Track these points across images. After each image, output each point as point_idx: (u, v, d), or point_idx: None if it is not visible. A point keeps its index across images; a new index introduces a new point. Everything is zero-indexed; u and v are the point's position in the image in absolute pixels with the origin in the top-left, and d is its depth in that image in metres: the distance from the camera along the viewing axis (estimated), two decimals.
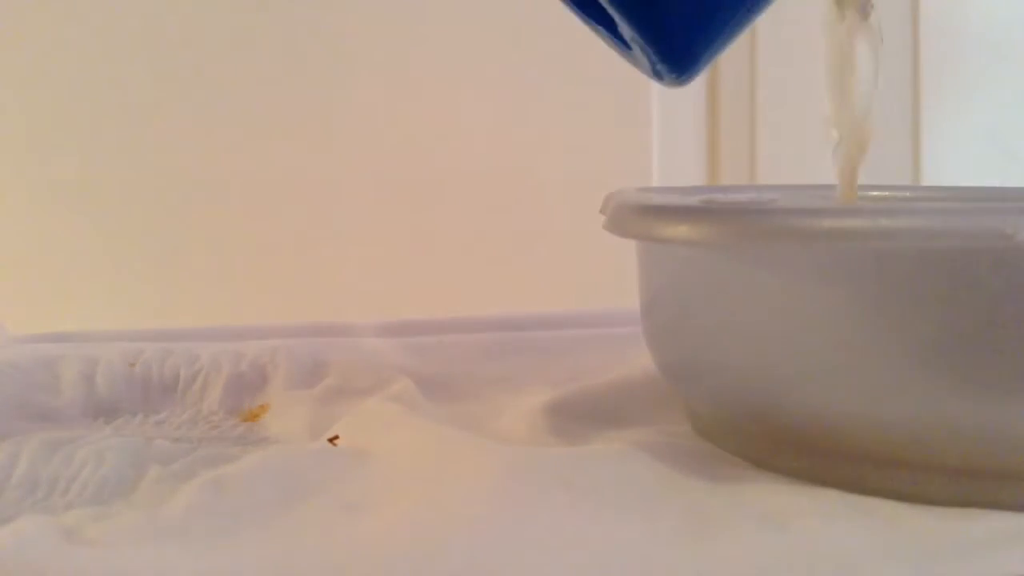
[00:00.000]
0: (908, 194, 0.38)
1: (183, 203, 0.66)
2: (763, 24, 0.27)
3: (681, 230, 0.23)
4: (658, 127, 0.70)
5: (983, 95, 0.79)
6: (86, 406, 0.34)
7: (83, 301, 0.64)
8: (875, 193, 0.38)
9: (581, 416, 0.31)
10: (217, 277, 0.66)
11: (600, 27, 0.26)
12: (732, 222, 0.22)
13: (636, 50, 0.24)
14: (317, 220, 0.67)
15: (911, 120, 0.81)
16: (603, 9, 0.23)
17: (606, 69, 0.69)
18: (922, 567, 0.19)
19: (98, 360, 0.36)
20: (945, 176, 0.83)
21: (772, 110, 0.72)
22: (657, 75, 0.25)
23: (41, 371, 0.35)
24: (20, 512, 0.23)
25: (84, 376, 0.35)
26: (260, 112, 0.66)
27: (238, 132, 0.66)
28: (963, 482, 0.22)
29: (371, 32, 0.67)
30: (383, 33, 0.67)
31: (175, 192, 0.66)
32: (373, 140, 0.67)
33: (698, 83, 0.73)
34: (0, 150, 0.64)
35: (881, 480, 0.23)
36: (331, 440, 0.29)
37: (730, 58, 0.71)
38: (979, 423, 0.21)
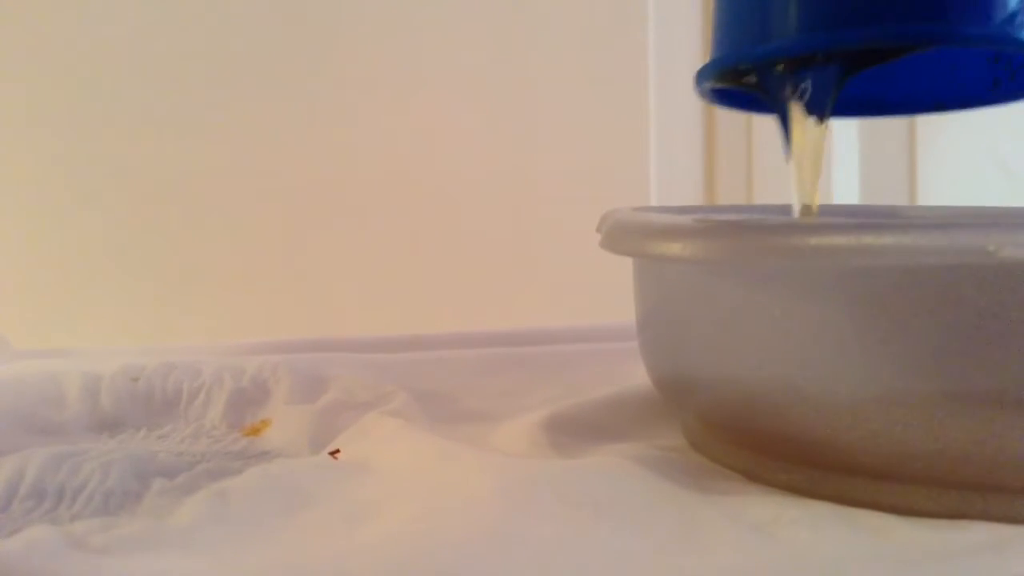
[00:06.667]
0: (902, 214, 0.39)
1: (185, 219, 0.66)
2: None
3: (674, 247, 0.23)
4: (656, 148, 0.71)
5: (980, 112, 0.79)
6: (90, 420, 0.34)
7: (86, 317, 0.65)
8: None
9: (578, 430, 0.31)
10: (219, 293, 0.66)
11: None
12: (723, 240, 0.23)
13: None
14: (318, 237, 0.67)
15: (907, 137, 0.82)
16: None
17: (606, 90, 0.70)
18: (909, 574, 0.19)
19: (102, 375, 0.36)
20: (941, 193, 0.83)
21: (769, 131, 0.72)
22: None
23: (46, 386, 0.35)
24: (28, 523, 0.23)
25: (88, 391, 0.35)
26: (262, 127, 0.66)
27: (239, 148, 0.66)
28: (951, 494, 0.23)
29: (372, 56, 0.68)
30: (384, 55, 0.68)
31: (178, 208, 0.66)
32: (374, 158, 0.68)
33: (695, 104, 0.74)
34: (3, 164, 0.65)
35: (870, 492, 0.23)
36: (332, 454, 0.29)
37: None
38: (966, 437, 0.22)
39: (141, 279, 0.66)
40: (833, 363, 0.23)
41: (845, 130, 0.80)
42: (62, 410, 0.34)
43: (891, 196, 0.83)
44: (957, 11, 0.24)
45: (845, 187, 0.80)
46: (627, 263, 0.31)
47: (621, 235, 0.26)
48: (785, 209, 0.36)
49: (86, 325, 0.65)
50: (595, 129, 0.70)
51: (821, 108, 0.26)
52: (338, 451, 0.29)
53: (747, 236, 0.22)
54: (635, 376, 0.34)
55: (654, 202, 0.72)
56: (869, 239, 0.20)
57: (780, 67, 0.26)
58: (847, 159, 0.81)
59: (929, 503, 0.23)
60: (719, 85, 0.29)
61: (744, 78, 0.28)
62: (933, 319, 0.21)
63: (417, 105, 0.68)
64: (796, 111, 0.27)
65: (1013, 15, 0.23)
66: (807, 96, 0.26)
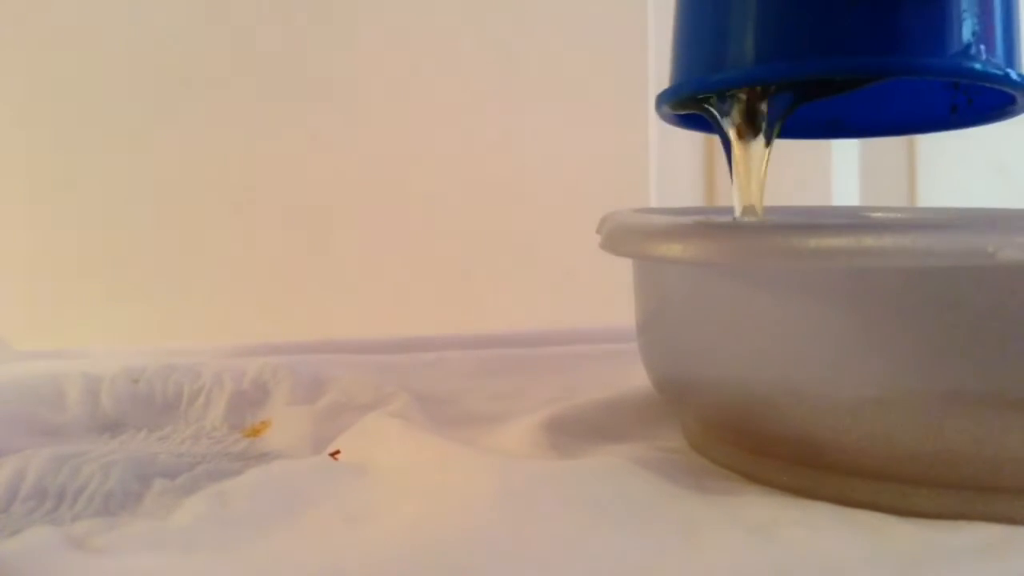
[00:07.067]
0: (899, 215, 0.39)
1: (185, 221, 0.66)
2: None
3: (674, 249, 0.24)
4: (656, 148, 0.71)
5: None
6: (91, 422, 0.34)
7: (87, 318, 0.65)
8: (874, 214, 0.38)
9: (578, 431, 0.32)
10: (220, 295, 0.66)
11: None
12: (723, 241, 0.23)
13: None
14: (318, 238, 0.67)
15: (907, 138, 0.82)
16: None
17: (606, 92, 0.70)
18: (909, 574, 0.19)
19: (102, 377, 0.36)
20: (941, 194, 0.83)
21: None
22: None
23: (46, 387, 0.36)
24: (29, 523, 0.23)
25: (89, 392, 0.35)
26: (262, 129, 0.66)
27: (240, 149, 0.66)
28: (949, 495, 0.23)
29: (372, 58, 0.68)
30: (384, 57, 0.68)
31: (178, 210, 0.66)
32: (374, 159, 0.68)
33: None
34: (3, 165, 0.65)
35: (869, 493, 0.24)
36: (332, 455, 0.29)
37: None
38: (965, 438, 0.22)
39: (141, 281, 0.66)
40: (833, 364, 0.23)
41: None
42: (63, 411, 0.34)
43: (891, 197, 0.84)
44: (912, 43, 0.24)
45: (845, 188, 0.80)
46: (627, 265, 0.31)
47: (621, 237, 0.26)
48: (785, 210, 0.36)
49: (87, 326, 0.65)
50: (595, 130, 0.70)
51: (768, 132, 0.27)
52: (338, 452, 0.29)
53: (747, 238, 0.22)
54: (635, 377, 0.34)
55: (654, 203, 0.72)
56: (869, 241, 0.20)
57: (734, 94, 0.27)
58: (847, 160, 0.81)
59: (929, 503, 0.23)
60: (678, 111, 0.29)
61: (702, 103, 0.28)
62: (932, 320, 0.21)
63: (415, 106, 0.68)
64: (744, 134, 0.27)
65: (967, 47, 0.24)
66: (757, 120, 0.27)
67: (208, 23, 0.66)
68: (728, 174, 0.28)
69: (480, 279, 0.68)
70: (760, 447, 0.26)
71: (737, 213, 0.28)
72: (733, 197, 0.28)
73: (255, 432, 0.34)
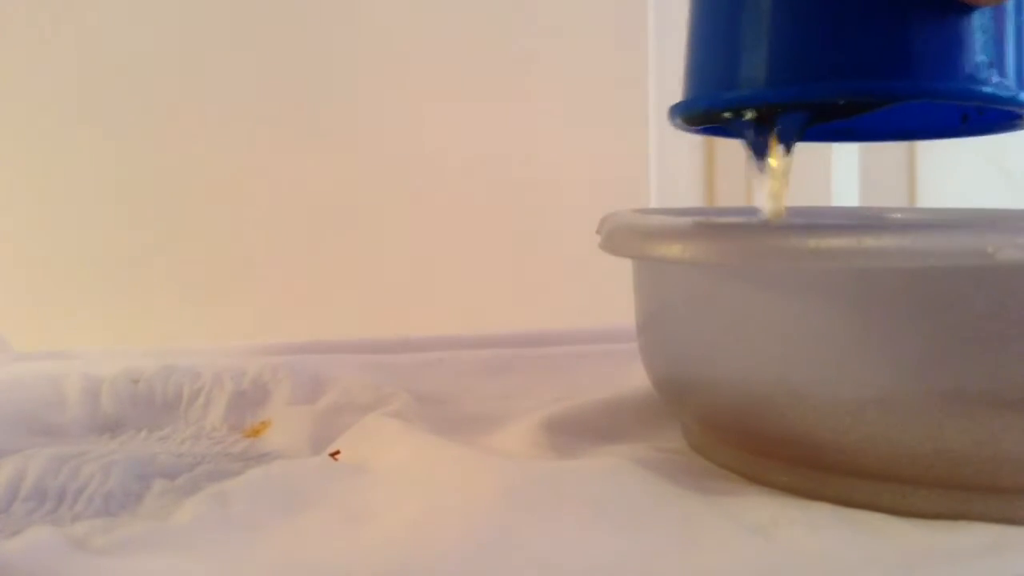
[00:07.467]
0: (899, 215, 0.39)
1: (185, 222, 0.66)
2: None
3: (674, 249, 0.24)
4: (656, 149, 0.71)
5: None
6: (91, 422, 0.34)
7: (87, 319, 0.65)
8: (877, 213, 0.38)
9: (578, 431, 0.32)
10: (220, 295, 0.66)
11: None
12: (723, 242, 0.23)
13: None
14: (319, 239, 0.67)
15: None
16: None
17: (606, 93, 0.70)
18: (909, 574, 0.19)
19: (102, 377, 0.36)
20: (941, 194, 0.83)
21: None
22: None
23: (46, 388, 0.36)
24: (29, 524, 0.23)
25: (89, 393, 0.35)
26: (263, 131, 0.67)
27: (241, 152, 0.67)
28: (949, 495, 0.23)
29: (373, 61, 0.68)
30: (385, 61, 0.68)
31: (178, 212, 0.66)
32: (375, 160, 0.68)
33: None
34: (5, 166, 0.65)
35: (869, 494, 0.24)
36: (332, 455, 0.29)
37: None
38: (965, 438, 0.22)
39: (142, 282, 0.66)
40: (832, 365, 0.23)
41: None
42: (63, 412, 0.34)
43: (891, 197, 0.84)
44: (923, 67, 0.24)
45: (845, 188, 0.80)
46: (627, 265, 0.31)
47: (621, 237, 0.26)
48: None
49: (87, 327, 0.65)
50: (595, 131, 0.70)
51: (787, 145, 0.27)
52: (338, 452, 0.29)
53: (747, 238, 0.22)
54: (635, 378, 0.34)
55: (654, 203, 0.72)
56: (869, 241, 0.20)
57: (748, 110, 0.27)
58: (847, 160, 0.81)
59: (929, 504, 0.23)
60: (691, 124, 0.30)
61: (715, 115, 0.28)
62: (932, 321, 0.21)
63: (417, 109, 0.68)
64: (759, 147, 0.27)
65: (978, 69, 0.24)
66: (775, 133, 0.27)
67: (207, 24, 0.66)
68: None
69: (480, 279, 0.68)
70: (760, 448, 0.26)
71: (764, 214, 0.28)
72: (759, 200, 0.28)
73: (255, 432, 0.34)
